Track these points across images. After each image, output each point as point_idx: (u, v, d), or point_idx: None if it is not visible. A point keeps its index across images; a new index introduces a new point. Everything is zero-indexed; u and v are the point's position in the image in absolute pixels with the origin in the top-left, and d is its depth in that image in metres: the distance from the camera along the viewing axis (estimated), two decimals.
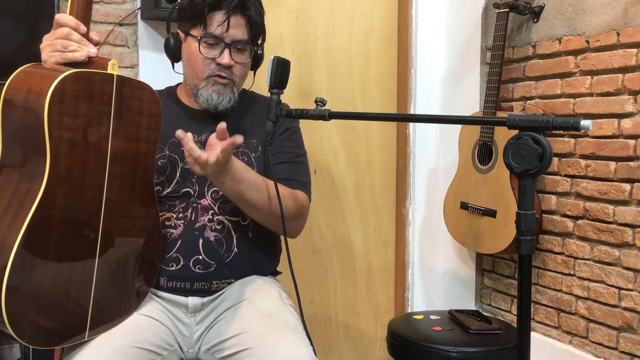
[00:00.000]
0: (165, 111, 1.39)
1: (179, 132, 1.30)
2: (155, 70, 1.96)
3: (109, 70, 1.25)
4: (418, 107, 2.49)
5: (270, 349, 1.34)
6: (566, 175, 2.09)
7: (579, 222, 2.05)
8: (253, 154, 1.58)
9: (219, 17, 1.49)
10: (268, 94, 1.37)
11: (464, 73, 2.48)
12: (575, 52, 2.05)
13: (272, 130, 1.34)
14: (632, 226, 1.88)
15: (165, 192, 1.52)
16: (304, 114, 1.29)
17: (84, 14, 1.28)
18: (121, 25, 2.01)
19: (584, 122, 0.97)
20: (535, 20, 2.19)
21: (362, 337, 2.56)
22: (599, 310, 1.99)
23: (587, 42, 2.00)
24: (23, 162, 1.19)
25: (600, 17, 1.95)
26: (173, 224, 1.51)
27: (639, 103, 1.86)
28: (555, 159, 2.12)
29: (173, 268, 1.49)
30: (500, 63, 2.13)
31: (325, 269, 2.47)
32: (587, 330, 2.04)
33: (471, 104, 2.44)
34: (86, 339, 1.28)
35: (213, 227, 1.51)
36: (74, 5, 1.26)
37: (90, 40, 1.28)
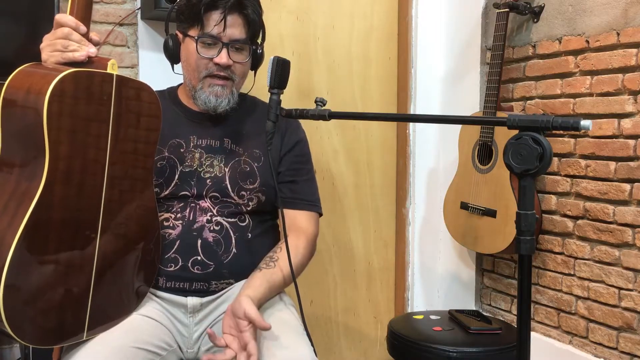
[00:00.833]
0: (165, 112, 1.39)
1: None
2: (156, 70, 1.96)
3: (109, 70, 1.25)
4: (418, 107, 2.49)
5: (271, 349, 1.34)
6: (566, 175, 2.09)
7: (579, 222, 2.05)
8: (256, 164, 1.58)
9: (215, 16, 1.49)
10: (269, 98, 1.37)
11: (464, 73, 2.48)
12: (575, 52, 2.05)
13: (272, 130, 1.34)
14: (632, 226, 1.88)
15: (163, 194, 1.52)
16: (304, 114, 1.29)
17: (84, 14, 1.28)
18: (121, 25, 2.01)
19: (584, 122, 0.97)
20: (535, 20, 2.19)
21: (362, 337, 2.56)
22: (599, 310, 1.99)
23: (587, 42, 2.00)
24: (22, 161, 1.19)
25: (600, 17, 1.95)
26: (171, 225, 1.51)
27: (639, 103, 1.86)
28: (555, 159, 2.12)
29: (172, 269, 1.48)
30: (500, 63, 2.13)
31: (325, 269, 2.47)
32: (587, 330, 2.04)
33: (471, 104, 2.44)
34: (85, 338, 1.28)
35: (212, 228, 1.51)
36: (74, 6, 1.27)
37: (90, 40, 1.29)
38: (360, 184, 2.51)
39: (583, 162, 2.03)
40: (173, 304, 1.49)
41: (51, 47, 1.25)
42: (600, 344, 1.99)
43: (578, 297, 2.07)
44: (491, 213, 2.14)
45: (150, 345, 1.36)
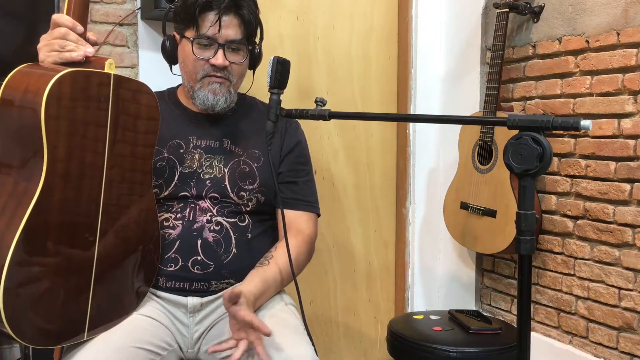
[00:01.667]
0: (165, 113, 1.39)
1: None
2: (155, 70, 1.96)
3: (106, 70, 1.25)
4: (418, 107, 2.49)
5: (272, 349, 1.34)
6: (566, 175, 2.09)
7: (579, 222, 2.05)
8: (255, 164, 1.58)
9: (210, 17, 1.48)
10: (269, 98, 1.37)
11: (464, 73, 2.48)
12: (575, 52, 2.04)
13: (272, 130, 1.34)
14: (632, 226, 1.88)
15: (163, 195, 1.52)
16: (304, 114, 1.29)
17: (81, 14, 1.28)
18: (121, 25, 2.00)
19: (584, 122, 0.96)
20: (535, 20, 2.18)
21: (362, 337, 2.56)
22: (599, 310, 1.99)
23: (587, 42, 2.00)
24: (21, 161, 1.19)
25: (600, 17, 1.95)
26: (171, 225, 1.51)
27: (639, 103, 1.86)
28: (555, 159, 2.12)
29: (172, 269, 1.48)
30: (500, 63, 2.12)
31: (325, 269, 2.47)
32: (587, 330, 2.03)
33: (471, 104, 2.43)
34: (85, 339, 1.28)
35: (211, 228, 1.51)
36: (71, 6, 1.27)
37: (87, 40, 1.29)
38: (360, 184, 2.51)
39: (583, 162, 2.03)
40: (173, 304, 1.49)
41: (48, 47, 1.25)
42: (600, 344, 1.99)
43: (578, 297, 2.07)
44: (491, 213, 2.14)
45: (151, 345, 1.36)
